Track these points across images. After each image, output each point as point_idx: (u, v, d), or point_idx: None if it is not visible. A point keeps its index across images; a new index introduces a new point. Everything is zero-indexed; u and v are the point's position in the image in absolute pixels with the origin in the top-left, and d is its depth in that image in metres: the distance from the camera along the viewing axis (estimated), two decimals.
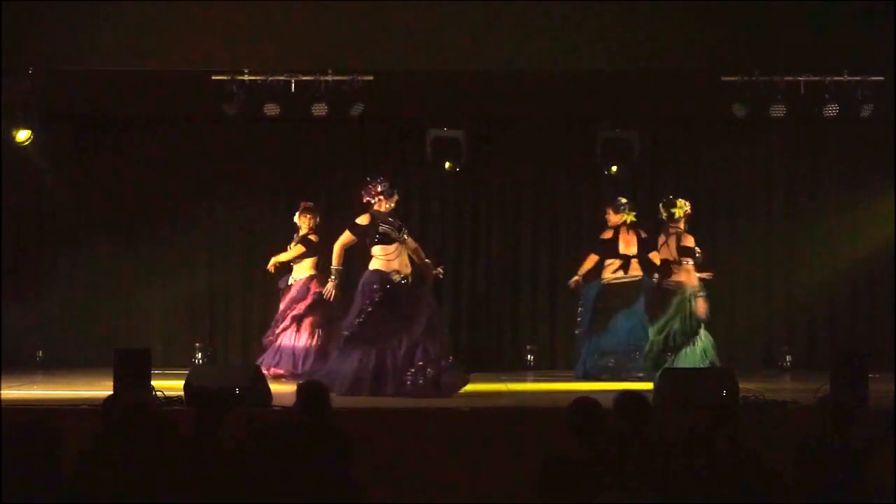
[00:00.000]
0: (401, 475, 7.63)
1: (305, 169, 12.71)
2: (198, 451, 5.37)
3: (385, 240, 9.77)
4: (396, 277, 9.73)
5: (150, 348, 9.21)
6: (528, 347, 12.79)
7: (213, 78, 10.94)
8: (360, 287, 9.74)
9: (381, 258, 9.76)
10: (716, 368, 10.55)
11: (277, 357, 11.11)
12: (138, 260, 12.87)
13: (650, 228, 11.58)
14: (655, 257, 11.39)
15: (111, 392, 8.04)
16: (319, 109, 10.99)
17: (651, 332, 11.16)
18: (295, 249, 11.27)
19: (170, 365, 11.42)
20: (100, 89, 11.41)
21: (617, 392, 5.72)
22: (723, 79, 10.87)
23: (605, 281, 11.51)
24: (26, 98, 11.01)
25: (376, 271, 9.74)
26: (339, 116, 11.19)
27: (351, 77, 10.87)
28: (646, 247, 11.46)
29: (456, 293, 12.88)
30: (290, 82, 10.99)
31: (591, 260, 11.55)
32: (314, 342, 11.11)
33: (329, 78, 10.91)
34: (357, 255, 10.21)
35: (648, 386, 8.89)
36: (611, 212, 11.51)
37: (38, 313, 12.68)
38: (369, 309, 9.62)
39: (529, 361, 12.70)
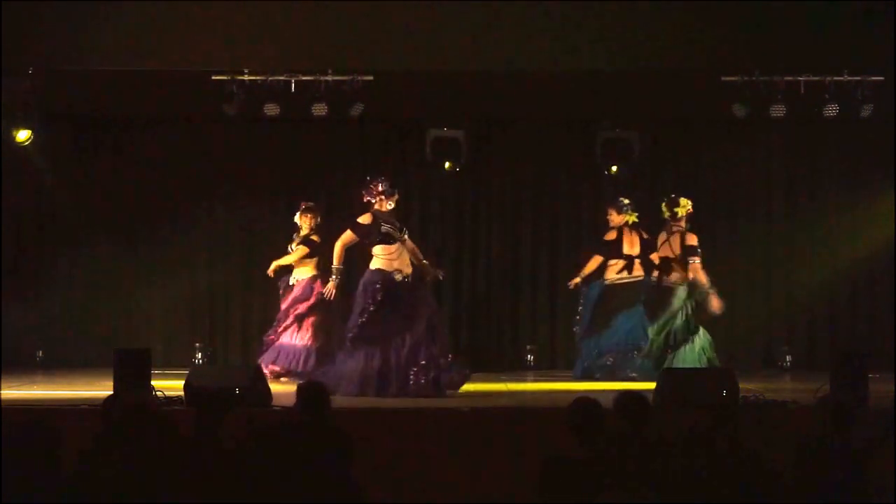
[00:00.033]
0: (401, 475, 7.63)
1: (305, 169, 12.71)
2: (198, 451, 5.37)
3: (387, 239, 9.77)
4: (398, 277, 9.73)
5: (150, 348, 9.22)
6: (528, 347, 12.79)
7: (213, 78, 10.94)
8: (361, 286, 9.74)
9: (384, 258, 9.76)
10: (716, 368, 10.56)
11: (277, 354, 11.11)
12: (138, 260, 12.87)
13: (649, 229, 11.57)
14: (656, 258, 11.41)
15: (111, 392, 8.04)
16: (319, 109, 10.99)
17: (651, 331, 11.17)
18: (298, 251, 11.24)
19: (170, 365, 11.43)
20: (100, 89, 11.41)
21: (617, 392, 5.73)
22: (723, 79, 10.87)
23: (608, 281, 11.49)
24: (26, 98, 11.01)
25: (378, 270, 9.73)
26: (339, 116, 11.19)
27: (351, 77, 10.87)
28: (648, 247, 11.47)
29: (456, 293, 12.87)
30: (290, 82, 10.99)
31: (596, 261, 11.52)
32: (315, 342, 11.10)
33: (329, 78, 10.91)
34: (357, 256, 10.21)
35: (649, 386, 8.89)
36: (613, 212, 11.49)
37: (38, 313, 12.68)
38: (371, 308, 9.61)
39: (529, 361, 12.70)
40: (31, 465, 4.76)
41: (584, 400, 5.45)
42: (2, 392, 9.28)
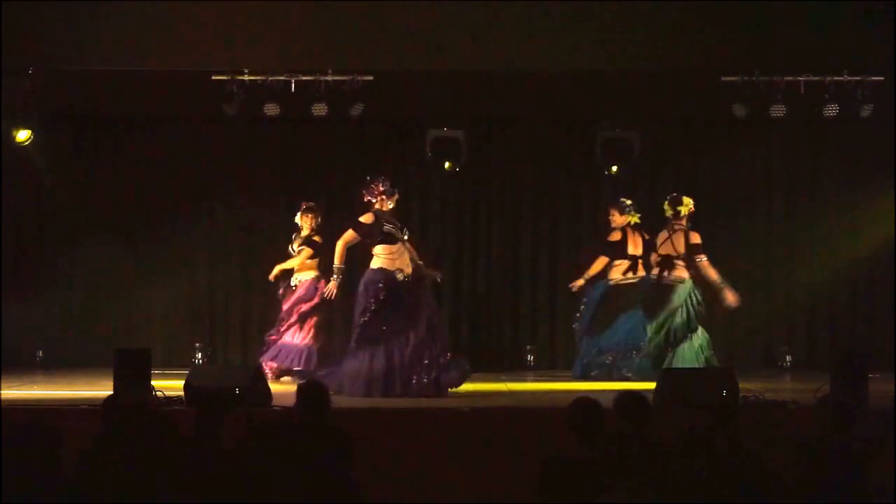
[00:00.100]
0: (401, 475, 7.63)
1: (305, 169, 12.72)
2: (198, 451, 5.37)
3: (389, 239, 9.77)
4: (400, 276, 9.73)
5: (150, 348, 9.21)
6: (528, 347, 12.80)
7: (213, 78, 10.94)
8: (362, 286, 9.73)
9: (385, 257, 9.76)
10: (716, 368, 10.57)
11: (277, 352, 11.11)
12: (138, 260, 12.87)
13: (649, 229, 11.57)
14: (656, 257, 11.42)
15: (111, 392, 8.03)
16: (319, 109, 10.99)
17: (650, 329, 11.18)
18: (303, 254, 11.21)
19: (170, 365, 11.43)
20: (100, 89, 11.41)
21: (617, 392, 5.73)
22: (723, 79, 10.87)
23: (612, 281, 11.46)
24: (26, 98, 11.01)
25: (380, 269, 9.73)
26: (339, 116, 11.19)
27: (351, 77, 10.87)
28: (649, 248, 11.47)
29: (456, 293, 12.87)
30: (290, 82, 10.99)
31: (601, 262, 11.48)
32: (316, 342, 11.10)
33: (329, 78, 10.92)
34: (357, 256, 10.21)
35: (648, 386, 8.89)
36: (616, 213, 11.47)
37: (38, 313, 12.67)
38: (373, 307, 9.61)
39: (529, 361, 12.70)
40: (31, 465, 4.75)
41: (584, 400, 5.45)
42: (2, 392, 9.27)
